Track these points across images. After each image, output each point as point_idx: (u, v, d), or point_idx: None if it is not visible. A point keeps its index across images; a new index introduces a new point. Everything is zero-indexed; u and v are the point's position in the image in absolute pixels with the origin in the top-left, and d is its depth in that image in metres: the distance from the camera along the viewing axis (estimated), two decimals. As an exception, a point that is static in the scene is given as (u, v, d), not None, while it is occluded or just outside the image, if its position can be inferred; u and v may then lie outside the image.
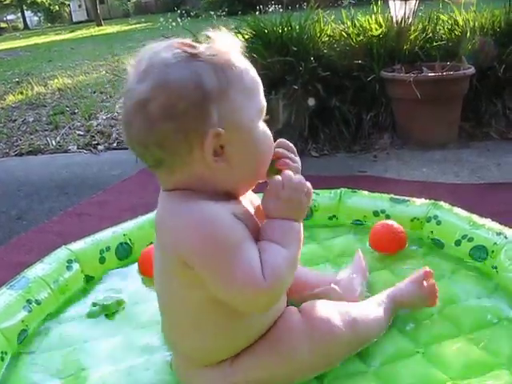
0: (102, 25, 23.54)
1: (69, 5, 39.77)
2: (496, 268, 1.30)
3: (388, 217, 1.58)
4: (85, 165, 3.14)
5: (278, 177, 0.90)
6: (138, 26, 18.86)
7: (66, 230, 2.08)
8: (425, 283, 1.16)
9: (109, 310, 1.29)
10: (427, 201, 1.58)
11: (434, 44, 3.06)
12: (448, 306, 1.19)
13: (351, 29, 3.11)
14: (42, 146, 3.59)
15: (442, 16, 3.28)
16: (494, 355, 1.03)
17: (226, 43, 0.87)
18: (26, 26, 39.10)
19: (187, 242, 0.84)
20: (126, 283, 1.43)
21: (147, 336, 1.19)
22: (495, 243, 1.33)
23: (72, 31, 21.31)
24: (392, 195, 1.65)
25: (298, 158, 0.98)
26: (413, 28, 3.10)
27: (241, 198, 0.95)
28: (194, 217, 0.84)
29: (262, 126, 0.91)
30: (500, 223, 1.40)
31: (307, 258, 1.38)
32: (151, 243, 1.40)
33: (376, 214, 1.61)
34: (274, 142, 0.96)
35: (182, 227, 0.85)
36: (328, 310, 1.02)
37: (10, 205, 2.54)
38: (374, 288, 1.26)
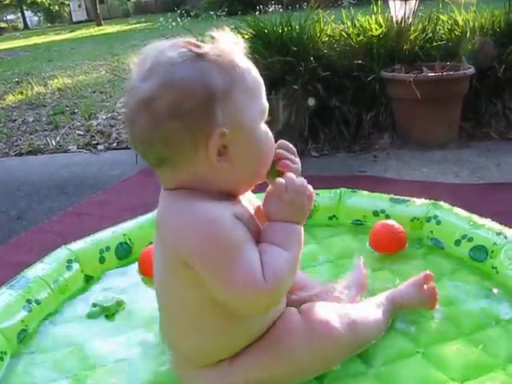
0: (101, 25, 23.54)
1: (68, 5, 39.76)
2: (496, 268, 1.30)
3: (388, 217, 1.58)
4: (84, 165, 3.14)
5: (281, 179, 0.90)
6: (137, 25, 18.86)
7: (66, 229, 2.08)
8: (425, 286, 1.16)
9: (109, 311, 1.29)
10: (427, 201, 1.58)
11: (434, 44, 3.06)
12: (448, 307, 1.19)
13: (351, 29, 3.11)
14: (42, 146, 3.59)
15: (441, 16, 3.28)
16: (493, 356, 1.03)
17: (229, 44, 0.87)
18: (25, 26, 39.10)
19: (188, 241, 0.84)
20: (125, 283, 1.43)
21: (147, 336, 1.18)
22: (495, 243, 1.33)
23: (72, 31, 21.31)
24: (392, 195, 1.65)
25: (298, 159, 0.98)
26: (413, 28, 3.10)
27: (240, 198, 0.95)
28: (196, 216, 0.84)
29: (264, 127, 0.92)
30: (500, 223, 1.40)
31: (307, 258, 1.38)
32: (151, 243, 1.39)
33: (376, 213, 1.61)
34: (275, 142, 0.96)
35: (184, 226, 0.85)
36: (328, 312, 1.02)
37: (9, 205, 2.54)
38: (374, 288, 1.26)
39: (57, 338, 1.22)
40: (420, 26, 3.14)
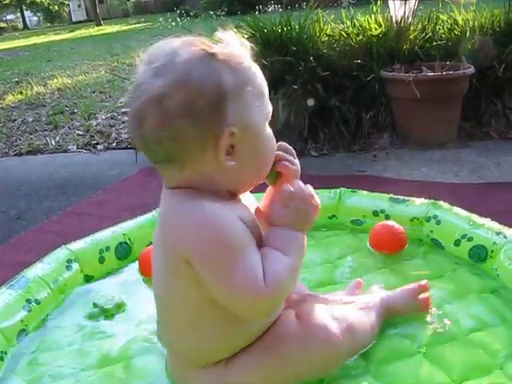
0: (101, 25, 23.53)
1: (68, 5, 39.77)
2: (496, 268, 1.30)
3: (387, 216, 1.58)
4: (84, 164, 3.14)
5: (289, 186, 0.91)
6: (137, 25, 18.86)
7: (66, 229, 2.08)
8: (420, 296, 1.16)
9: (108, 312, 1.29)
10: (427, 200, 1.58)
11: (434, 44, 3.06)
12: (448, 307, 1.19)
13: (351, 28, 3.11)
14: (42, 146, 3.58)
15: (441, 16, 3.28)
16: (492, 356, 1.03)
17: (238, 46, 0.88)
18: (25, 26, 39.11)
19: (190, 240, 0.84)
20: (125, 283, 1.43)
21: (146, 336, 1.18)
22: (495, 243, 1.33)
23: (71, 31, 21.31)
24: (391, 195, 1.65)
25: (297, 161, 0.99)
26: (412, 28, 3.10)
27: (240, 197, 0.95)
28: (199, 216, 0.84)
29: (268, 129, 0.93)
30: (500, 223, 1.40)
31: (306, 258, 1.37)
32: (151, 243, 1.39)
33: (375, 213, 1.61)
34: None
35: (186, 226, 0.85)
36: (325, 315, 1.02)
37: (9, 204, 2.54)
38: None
39: (57, 338, 1.21)
40: (420, 26, 3.14)
